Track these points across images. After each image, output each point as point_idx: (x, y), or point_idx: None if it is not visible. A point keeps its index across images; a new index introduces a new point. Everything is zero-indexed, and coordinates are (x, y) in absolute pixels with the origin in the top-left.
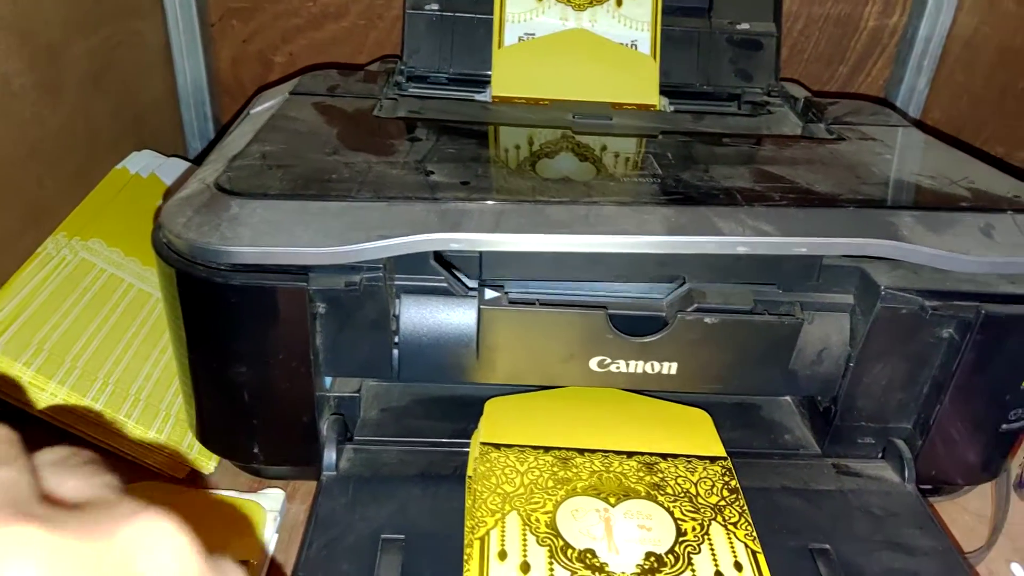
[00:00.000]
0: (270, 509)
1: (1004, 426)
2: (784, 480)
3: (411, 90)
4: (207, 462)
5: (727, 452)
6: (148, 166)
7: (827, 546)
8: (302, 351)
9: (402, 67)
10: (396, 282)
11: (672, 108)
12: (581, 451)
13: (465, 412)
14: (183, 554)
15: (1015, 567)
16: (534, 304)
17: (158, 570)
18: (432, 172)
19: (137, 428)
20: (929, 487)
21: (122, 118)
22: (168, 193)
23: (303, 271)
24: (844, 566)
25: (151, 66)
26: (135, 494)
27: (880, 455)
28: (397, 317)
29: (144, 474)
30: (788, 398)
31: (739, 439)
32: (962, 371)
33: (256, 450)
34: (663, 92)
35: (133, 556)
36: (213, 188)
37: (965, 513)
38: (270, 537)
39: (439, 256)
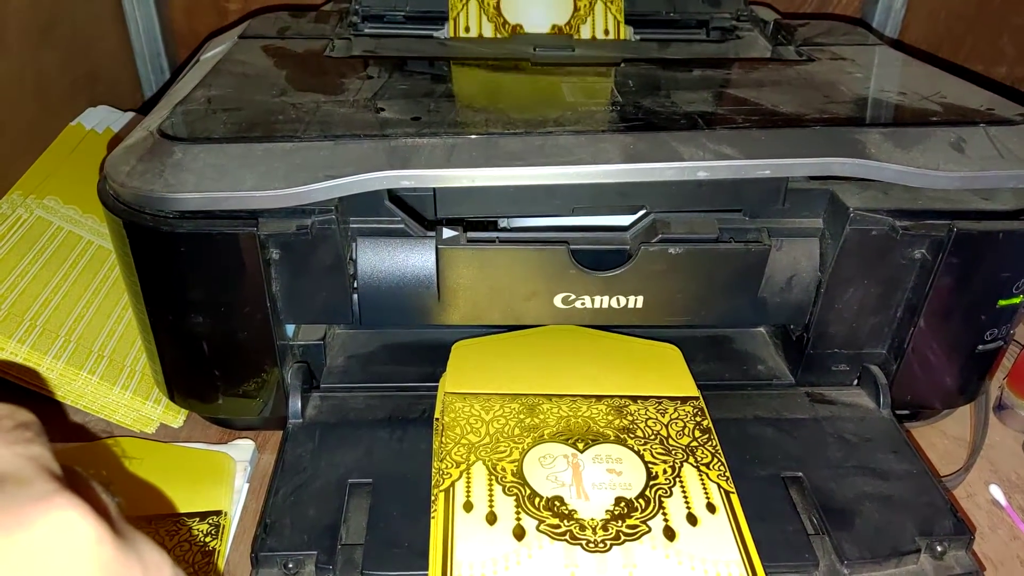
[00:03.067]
0: (240, 460)
1: (981, 347)
2: (757, 410)
3: (367, 30)
4: (175, 416)
5: (700, 385)
6: (104, 121)
7: (800, 474)
8: (258, 299)
9: (356, 6)
10: (351, 225)
11: (638, 37)
12: (548, 396)
13: (433, 355)
14: (93, 544)
15: (994, 489)
16: (494, 241)
17: (67, 561)
18: (383, 109)
19: (102, 384)
20: (906, 412)
21: (75, 72)
22: (113, 143)
23: (252, 216)
24: (816, 493)
25: (102, 17)
26: (100, 451)
27: (855, 382)
28: (354, 260)
29: (113, 430)
30: (761, 328)
31: (712, 371)
32: (936, 292)
33: (221, 402)
34: (629, 21)
35: (41, 548)
36: (156, 135)
37: (944, 437)
38: (240, 487)
39: (394, 196)
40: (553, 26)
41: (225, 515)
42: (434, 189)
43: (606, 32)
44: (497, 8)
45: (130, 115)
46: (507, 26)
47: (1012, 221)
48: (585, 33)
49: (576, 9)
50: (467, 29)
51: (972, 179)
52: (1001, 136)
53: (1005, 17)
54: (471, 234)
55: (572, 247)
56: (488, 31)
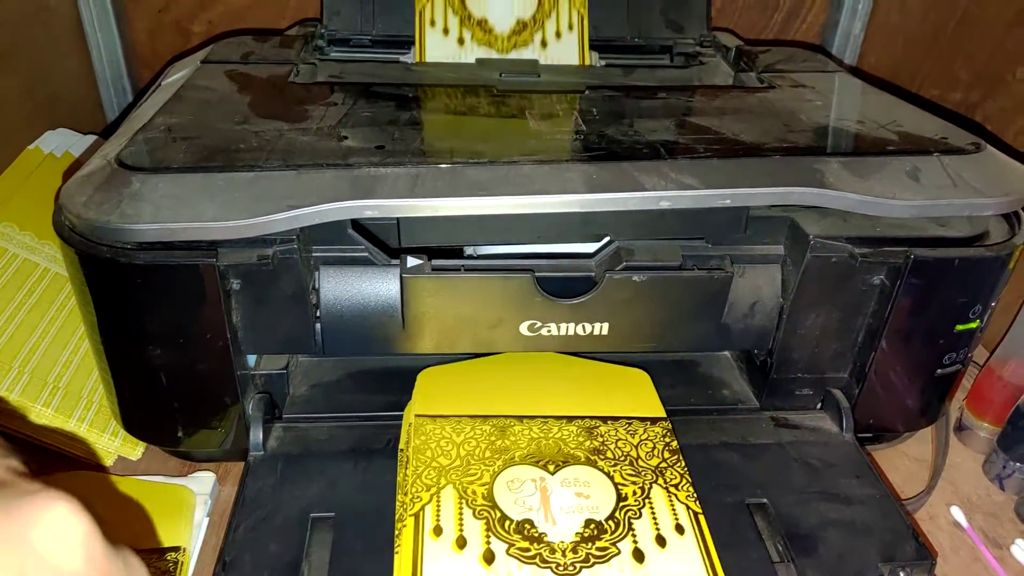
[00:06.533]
0: (200, 493)
1: (940, 371)
2: (722, 435)
3: (333, 54)
4: (134, 448)
5: (666, 409)
6: (63, 145)
7: (764, 500)
8: (218, 330)
9: (322, 30)
10: (314, 253)
11: (603, 63)
12: (520, 418)
13: (398, 383)
14: (84, 537)
15: (955, 510)
16: (459, 270)
17: (61, 552)
18: (346, 137)
19: (57, 417)
20: (869, 435)
21: (33, 97)
22: (69, 171)
23: (212, 247)
24: (781, 519)
25: (63, 42)
26: (58, 484)
27: (818, 406)
28: (317, 290)
29: (70, 464)
30: (727, 353)
31: (678, 396)
32: (895, 317)
33: (180, 434)
34: (594, 46)
35: (35, 538)
36: (114, 164)
37: (906, 459)
38: (200, 521)
39: (358, 225)
40: (518, 21)
41: (184, 551)
42: (398, 219)
43: (570, 27)
44: (463, 2)
45: (91, 138)
46: (472, 19)
47: (967, 248)
48: (550, 28)
49: (540, 4)
50: (432, 23)
51: (926, 208)
52: (954, 165)
53: (959, 44)
54: (436, 262)
55: (537, 275)
56: (454, 24)
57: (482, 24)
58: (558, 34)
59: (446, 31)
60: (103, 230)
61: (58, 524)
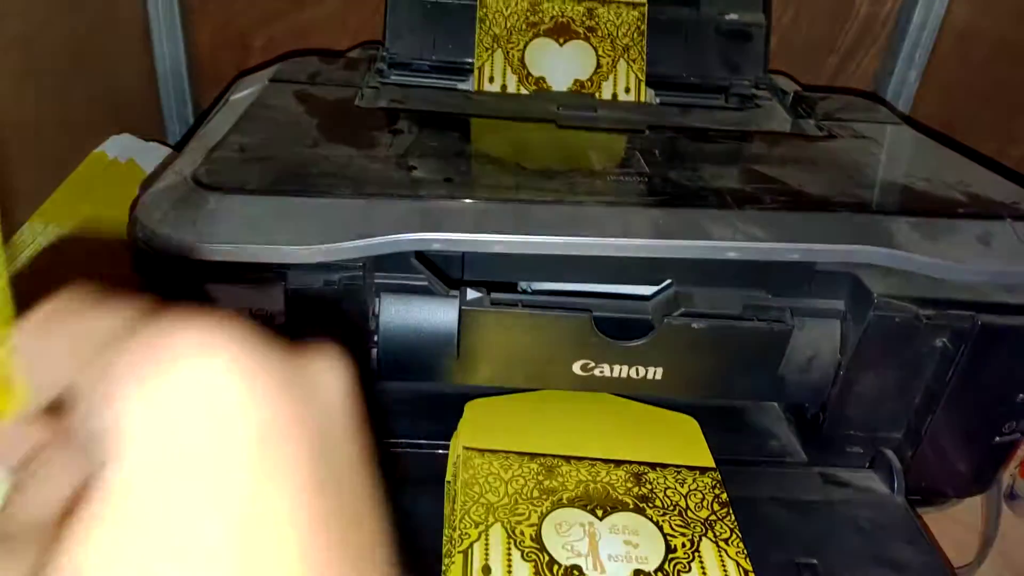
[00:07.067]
0: None
1: (998, 439)
2: (769, 489)
3: (393, 77)
4: None
5: (712, 458)
6: (127, 150)
7: (814, 560)
8: None
9: (384, 53)
10: (376, 280)
11: (658, 100)
12: (567, 458)
13: (444, 412)
14: (349, 381)
15: None
16: (517, 306)
17: (341, 395)
18: (415, 167)
19: None
20: (917, 498)
21: (100, 102)
22: (145, 184)
23: (281, 269)
24: None
25: (130, 49)
26: None
27: (868, 464)
28: (377, 316)
29: None
30: (774, 403)
31: (723, 445)
32: (956, 382)
33: None
34: (649, 83)
35: (317, 380)
36: (191, 182)
37: (954, 525)
38: None
39: (420, 255)
40: (575, 81)
41: None
42: (463, 252)
43: (627, 90)
44: (522, 61)
45: (153, 145)
46: (531, 78)
47: None
48: (607, 90)
49: (599, 66)
50: (491, 79)
51: (999, 274)
52: None
53: (1022, 97)
54: (494, 296)
55: (595, 315)
56: (512, 82)
57: (539, 83)
58: (615, 97)
59: (504, 88)
60: (179, 247)
61: (336, 372)
